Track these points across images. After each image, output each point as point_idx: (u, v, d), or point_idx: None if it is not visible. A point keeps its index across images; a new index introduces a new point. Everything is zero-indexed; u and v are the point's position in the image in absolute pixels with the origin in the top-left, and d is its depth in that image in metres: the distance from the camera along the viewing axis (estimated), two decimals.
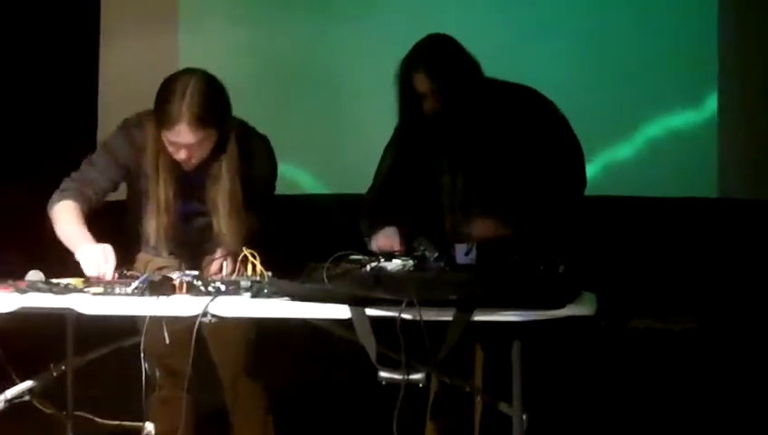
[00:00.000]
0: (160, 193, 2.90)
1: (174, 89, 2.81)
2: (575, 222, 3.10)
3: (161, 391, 3.11)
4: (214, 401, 3.27)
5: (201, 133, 2.81)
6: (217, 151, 2.89)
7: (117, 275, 2.70)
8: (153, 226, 2.93)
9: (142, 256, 3.10)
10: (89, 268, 2.71)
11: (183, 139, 2.80)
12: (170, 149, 2.85)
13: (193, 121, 2.77)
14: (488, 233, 2.94)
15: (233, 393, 3.19)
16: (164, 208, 2.91)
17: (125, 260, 2.89)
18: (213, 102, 2.83)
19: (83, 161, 3.01)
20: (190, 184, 2.96)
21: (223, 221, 2.91)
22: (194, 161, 2.88)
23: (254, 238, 2.89)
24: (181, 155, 2.84)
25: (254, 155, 2.98)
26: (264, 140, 3.05)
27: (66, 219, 2.87)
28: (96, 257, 2.71)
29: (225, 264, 2.85)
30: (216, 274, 2.81)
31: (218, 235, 2.94)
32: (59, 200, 2.91)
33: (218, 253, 2.91)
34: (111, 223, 3.01)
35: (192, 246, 3.03)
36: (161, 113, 2.81)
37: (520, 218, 2.98)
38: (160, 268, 2.80)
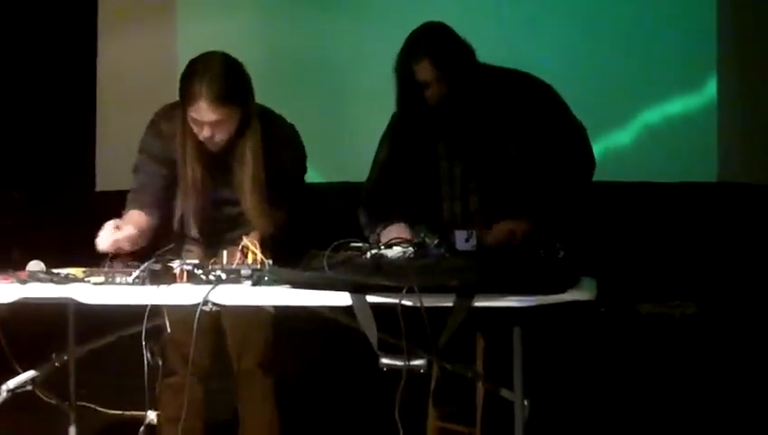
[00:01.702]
0: (188, 176, 2.96)
1: (196, 68, 2.90)
2: (583, 207, 3.10)
3: (173, 377, 3.12)
4: (227, 390, 3.29)
5: (222, 110, 2.87)
6: (241, 131, 2.94)
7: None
8: (180, 208, 3.00)
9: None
10: (99, 243, 2.71)
11: (204, 116, 2.87)
12: (195, 128, 2.92)
13: (213, 99, 2.85)
14: (507, 236, 2.91)
15: (243, 385, 3.22)
16: (192, 191, 2.97)
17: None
18: (232, 80, 2.91)
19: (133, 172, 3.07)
20: (219, 170, 3.00)
21: (249, 202, 2.96)
22: (217, 139, 2.93)
23: (287, 224, 2.94)
24: (205, 133, 2.91)
25: (279, 141, 3.04)
26: (289, 126, 3.11)
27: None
28: (105, 231, 2.71)
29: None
30: (241, 260, 2.80)
31: (244, 216, 2.97)
32: (125, 214, 2.97)
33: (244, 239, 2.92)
34: None
35: (222, 234, 3.05)
36: (184, 92, 2.90)
37: (537, 211, 2.96)
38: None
